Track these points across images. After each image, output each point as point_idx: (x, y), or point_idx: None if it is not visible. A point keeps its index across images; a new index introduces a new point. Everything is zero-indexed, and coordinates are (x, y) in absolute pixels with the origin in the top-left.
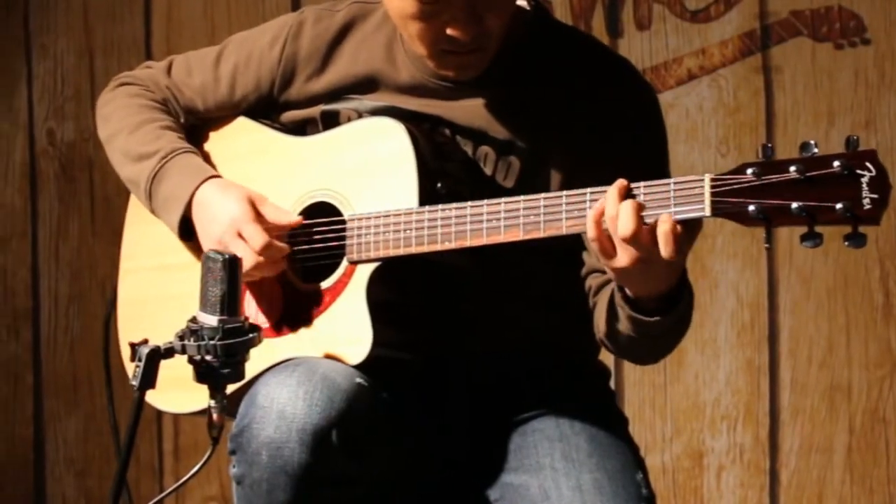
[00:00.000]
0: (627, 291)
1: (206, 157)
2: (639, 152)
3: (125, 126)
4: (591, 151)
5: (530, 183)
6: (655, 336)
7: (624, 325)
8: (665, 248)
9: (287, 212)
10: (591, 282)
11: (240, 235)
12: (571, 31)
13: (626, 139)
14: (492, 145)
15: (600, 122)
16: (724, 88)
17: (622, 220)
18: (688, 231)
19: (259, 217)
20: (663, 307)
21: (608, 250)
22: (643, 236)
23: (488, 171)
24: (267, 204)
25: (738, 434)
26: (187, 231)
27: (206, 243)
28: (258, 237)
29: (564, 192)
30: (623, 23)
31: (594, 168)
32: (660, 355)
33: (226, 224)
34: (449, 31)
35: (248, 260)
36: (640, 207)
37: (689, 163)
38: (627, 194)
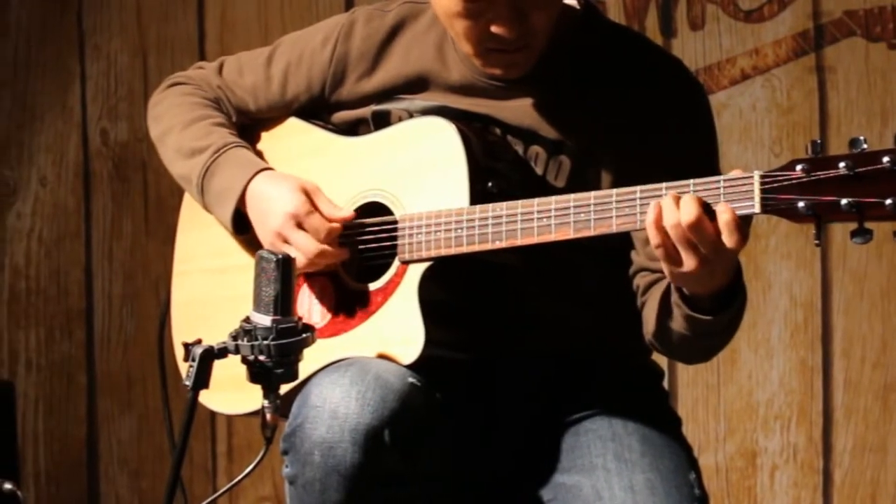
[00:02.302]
0: (685, 290)
1: (258, 157)
2: (689, 152)
3: (177, 123)
4: (642, 150)
5: (581, 182)
6: (710, 334)
7: (679, 324)
8: (730, 238)
9: (339, 206)
10: (639, 281)
11: (300, 227)
12: (622, 29)
13: (676, 139)
14: (542, 145)
15: (651, 122)
16: (777, 88)
17: (684, 210)
18: (745, 218)
19: (316, 208)
20: (720, 305)
21: (672, 255)
22: (707, 226)
23: (539, 170)
24: (321, 195)
25: (792, 434)
26: (241, 225)
27: (263, 235)
28: (321, 226)
29: (615, 191)
30: (676, 23)
31: (645, 167)
32: (711, 354)
33: (283, 216)
34: (494, 29)
35: (311, 250)
36: (700, 199)
37: (743, 163)
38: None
